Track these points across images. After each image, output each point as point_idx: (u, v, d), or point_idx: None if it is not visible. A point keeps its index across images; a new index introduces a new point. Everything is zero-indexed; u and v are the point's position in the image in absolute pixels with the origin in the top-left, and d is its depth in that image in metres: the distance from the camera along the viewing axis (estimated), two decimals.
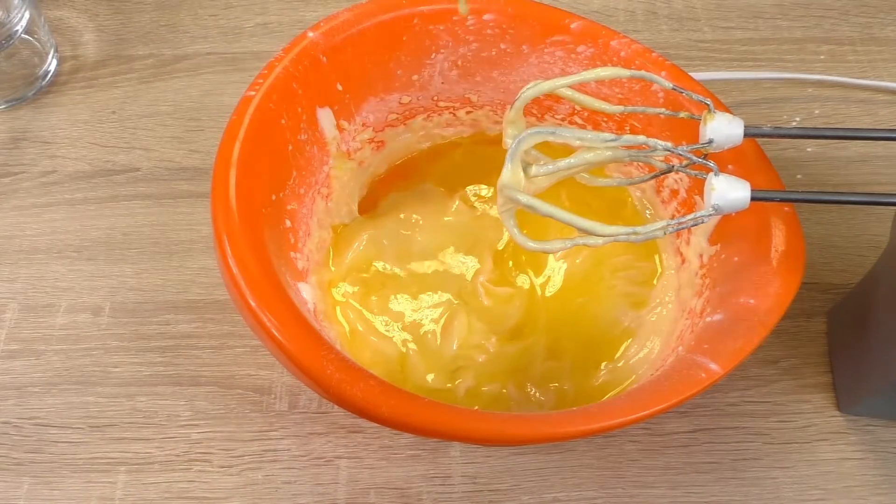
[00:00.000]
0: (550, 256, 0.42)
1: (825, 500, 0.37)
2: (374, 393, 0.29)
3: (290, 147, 0.37)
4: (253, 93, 0.35)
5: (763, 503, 0.37)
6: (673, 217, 0.41)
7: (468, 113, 0.44)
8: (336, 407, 0.37)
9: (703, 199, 0.31)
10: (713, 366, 0.31)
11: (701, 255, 0.38)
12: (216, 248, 0.32)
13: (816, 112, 0.49)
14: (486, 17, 0.40)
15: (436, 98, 0.43)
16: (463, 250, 0.42)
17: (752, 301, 0.33)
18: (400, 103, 0.42)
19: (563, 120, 0.43)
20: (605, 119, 0.42)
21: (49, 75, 0.51)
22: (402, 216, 0.43)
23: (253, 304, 0.30)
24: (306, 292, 0.37)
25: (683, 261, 0.40)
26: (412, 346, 0.39)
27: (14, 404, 0.40)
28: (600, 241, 0.30)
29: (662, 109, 0.33)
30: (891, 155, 0.47)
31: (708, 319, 0.35)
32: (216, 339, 0.41)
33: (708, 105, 0.32)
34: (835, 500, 0.37)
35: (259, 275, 0.31)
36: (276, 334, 0.30)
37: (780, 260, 0.34)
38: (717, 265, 0.37)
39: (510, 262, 0.42)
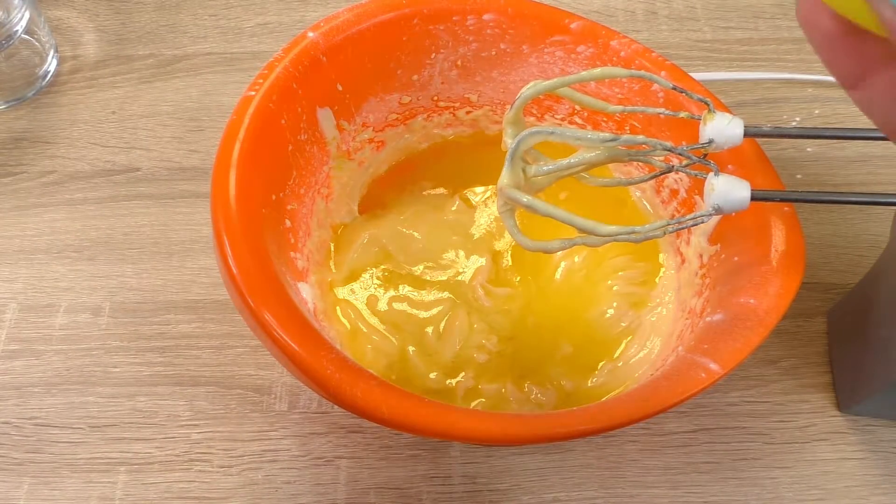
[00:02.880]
0: (550, 256, 0.42)
1: (825, 500, 0.37)
2: (374, 393, 0.29)
3: (290, 147, 0.37)
4: (253, 93, 0.35)
5: (763, 503, 0.37)
6: (673, 217, 0.41)
7: (468, 113, 0.44)
8: (336, 407, 0.37)
9: (703, 199, 0.31)
10: (713, 366, 0.31)
11: (701, 255, 0.38)
12: (216, 248, 0.32)
13: (816, 112, 0.49)
14: (486, 17, 0.40)
15: (436, 98, 0.43)
16: (463, 250, 0.42)
17: (752, 301, 0.33)
18: (400, 103, 0.42)
19: (563, 120, 0.43)
20: (605, 119, 0.42)
21: (49, 75, 0.51)
22: (402, 216, 0.43)
23: (253, 304, 0.30)
24: (306, 292, 0.37)
25: (683, 261, 0.40)
26: (412, 345, 0.39)
27: (14, 404, 0.40)
28: (599, 240, 0.30)
29: (662, 109, 0.33)
30: (891, 155, 0.47)
31: (708, 319, 0.35)
32: (216, 339, 0.41)
33: (708, 105, 0.32)
34: (835, 500, 0.37)
35: (259, 275, 0.31)
36: (277, 334, 0.30)
37: (780, 260, 0.34)
38: (717, 265, 0.37)
39: (510, 262, 0.42)
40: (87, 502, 0.37)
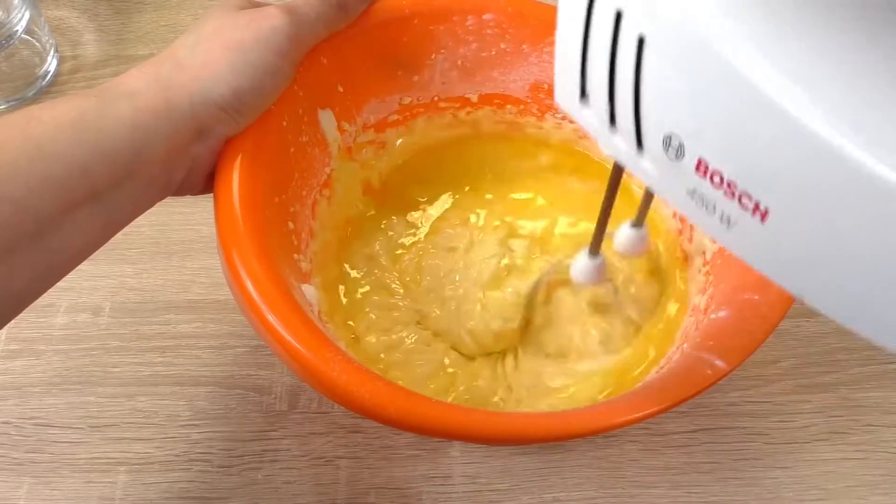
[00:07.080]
0: (553, 257, 0.42)
1: (825, 500, 0.37)
2: (382, 394, 0.29)
3: (292, 149, 0.37)
4: None
5: (763, 503, 0.37)
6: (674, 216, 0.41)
7: (468, 113, 0.44)
8: (336, 407, 0.38)
9: None
10: (719, 362, 0.31)
11: (704, 253, 0.38)
12: (221, 252, 0.32)
13: None
14: (485, 16, 0.40)
15: (436, 98, 0.43)
16: (465, 250, 0.42)
17: (756, 297, 0.33)
18: (400, 104, 0.42)
19: (563, 119, 0.43)
20: None
21: (49, 75, 0.51)
22: (403, 216, 0.43)
23: (260, 307, 0.30)
24: (310, 294, 0.36)
25: (687, 258, 0.40)
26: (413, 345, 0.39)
27: (14, 404, 0.40)
28: None
29: None
30: None
31: (713, 316, 0.35)
32: (216, 339, 0.41)
33: None
34: (835, 500, 0.37)
35: (265, 278, 0.31)
36: (284, 337, 0.30)
37: None
38: (720, 262, 0.37)
39: (512, 264, 0.42)
40: (87, 502, 0.37)
